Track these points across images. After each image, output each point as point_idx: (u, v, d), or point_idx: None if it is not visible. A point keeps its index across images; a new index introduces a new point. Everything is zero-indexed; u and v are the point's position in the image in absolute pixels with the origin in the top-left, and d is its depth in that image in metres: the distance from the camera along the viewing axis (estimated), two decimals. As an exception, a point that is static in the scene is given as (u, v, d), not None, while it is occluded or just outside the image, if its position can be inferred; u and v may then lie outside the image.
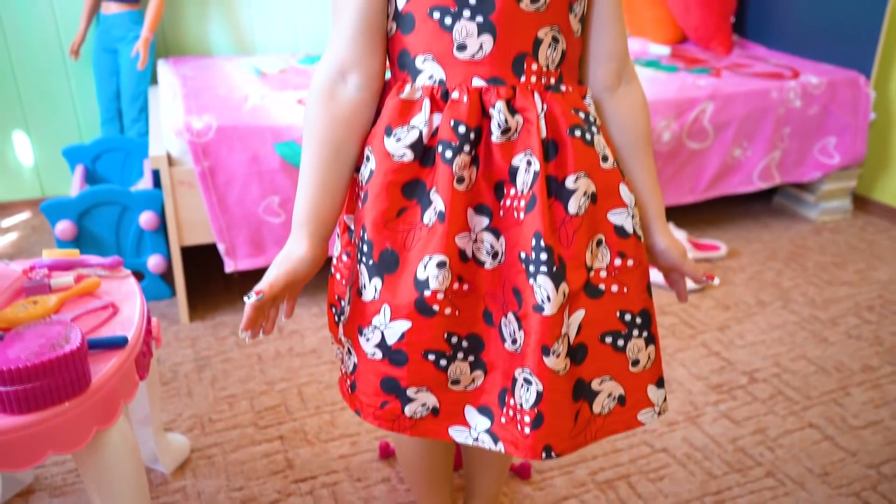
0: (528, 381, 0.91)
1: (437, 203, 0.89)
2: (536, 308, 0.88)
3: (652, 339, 0.99)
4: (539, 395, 0.91)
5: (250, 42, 3.14)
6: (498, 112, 0.88)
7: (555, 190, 0.91)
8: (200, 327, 2.12)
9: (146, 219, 2.11)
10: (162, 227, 2.16)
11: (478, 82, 0.89)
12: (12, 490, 1.47)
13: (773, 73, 2.78)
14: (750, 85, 2.64)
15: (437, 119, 0.90)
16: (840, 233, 2.84)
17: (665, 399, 1.03)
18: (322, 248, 0.95)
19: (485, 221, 0.92)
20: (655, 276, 2.03)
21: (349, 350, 1.00)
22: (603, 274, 0.95)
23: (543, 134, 0.89)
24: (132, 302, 1.20)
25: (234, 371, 1.91)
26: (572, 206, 0.91)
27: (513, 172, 0.90)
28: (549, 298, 0.88)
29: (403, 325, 0.91)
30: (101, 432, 1.02)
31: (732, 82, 2.66)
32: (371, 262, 0.93)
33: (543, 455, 0.93)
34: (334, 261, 1.06)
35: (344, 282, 1.03)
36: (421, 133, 0.90)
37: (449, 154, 0.88)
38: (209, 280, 2.38)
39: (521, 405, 0.92)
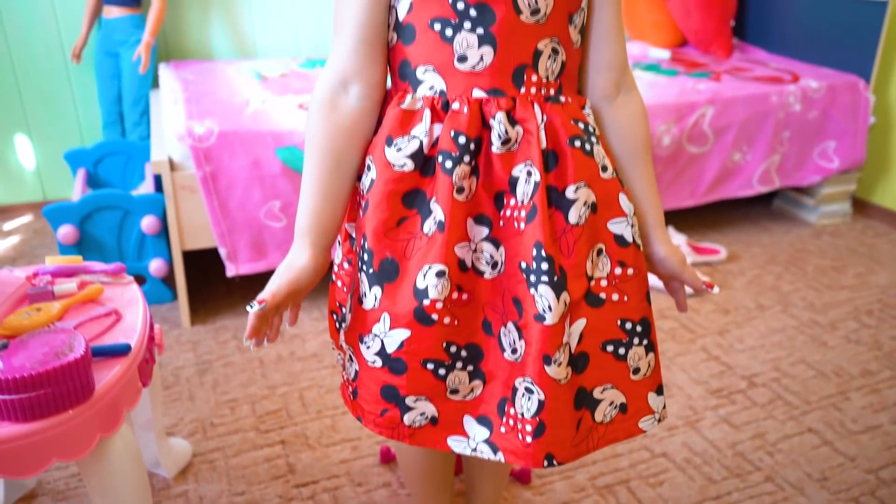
0: (529, 391, 0.92)
1: (437, 213, 0.90)
2: (538, 317, 0.89)
3: (652, 347, 1.00)
4: (541, 404, 0.91)
5: (251, 46, 3.15)
6: (498, 123, 0.89)
7: (555, 200, 0.92)
8: (202, 331, 2.13)
9: (148, 223, 2.12)
10: (164, 231, 2.17)
11: (478, 93, 0.90)
12: (15, 495, 1.48)
13: (772, 77, 2.79)
14: (750, 89, 2.65)
15: (438, 129, 0.91)
16: (840, 236, 2.84)
17: (664, 406, 1.04)
18: (324, 257, 0.96)
19: (484, 231, 0.92)
20: (655, 280, 2.03)
21: (351, 357, 1.01)
22: (603, 283, 0.96)
23: (543, 145, 0.90)
24: (135, 309, 1.21)
25: (235, 375, 1.92)
26: (573, 216, 0.92)
27: (513, 183, 0.91)
28: (550, 308, 0.89)
29: (403, 333, 0.92)
30: (105, 439, 1.03)
31: (732, 86, 2.66)
32: (371, 270, 0.93)
33: (545, 463, 0.94)
34: (335, 268, 1.06)
35: (345, 289, 1.04)
36: (421, 143, 0.91)
37: (449, 164, 0.89)
38: (210, 284, 2.39)
39: (523, 414, 0.93)
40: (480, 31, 0.87)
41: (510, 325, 0.93)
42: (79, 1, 2.81)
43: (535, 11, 0.87)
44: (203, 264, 2.47)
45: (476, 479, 1.33)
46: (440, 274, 0.89)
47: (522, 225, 0.90)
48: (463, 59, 0.89)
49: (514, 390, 0.94)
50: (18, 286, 1.21)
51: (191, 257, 2.44)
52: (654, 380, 1.01)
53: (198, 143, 1.99)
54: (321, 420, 1.74)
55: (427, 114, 0.91)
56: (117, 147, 2.57)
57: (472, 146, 0.90)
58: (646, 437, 1.70)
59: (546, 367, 0.90)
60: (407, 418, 0.96)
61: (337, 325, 1.07)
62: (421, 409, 0.96)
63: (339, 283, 1.05)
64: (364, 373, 0.98)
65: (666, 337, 2.11)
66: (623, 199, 0.96)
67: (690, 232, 2.81)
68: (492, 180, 0.91)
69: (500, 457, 0.96)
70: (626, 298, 0.97)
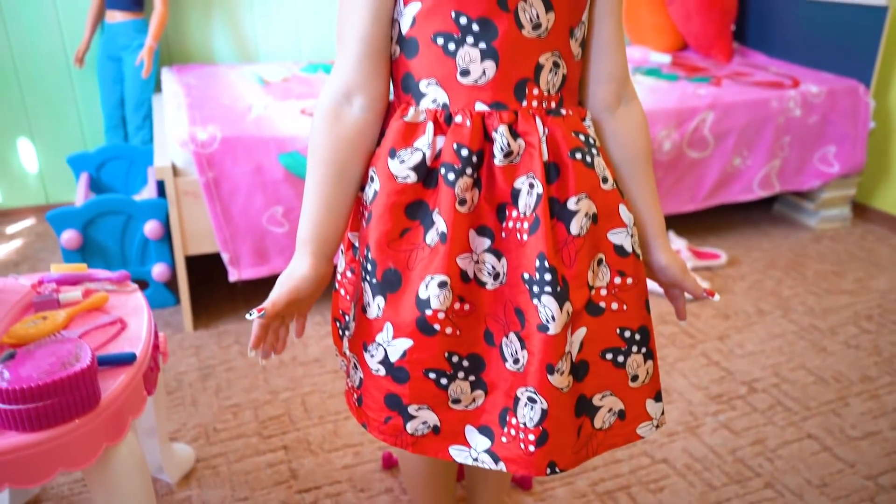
0: (532, 400, 0.93)
1: (440, 224, 0.91)
2: (541, 328, 0.90)
3: (650, 355, 1.01)
4: (544, 413, 0.92)
5: (253, 50, 3.16)
6: (500, 136, 0.90)
7: (557, 211, 0.93)
8: (204, 335, 2.14)
9: (151, 228, 2.13)
10: (166, 236, 2.18)
11: (480, 107, 0.91)
12: (19, 501, 1.49)
13: (773, 82, 2.80)
14: (750, 94, 2.66)
15: (441, 142, 0.92)
16: (839, 241, 2.85)
17: (663, 412, 1.05)
18: (326, 267, 0.96)
19: (486, 243, 0.93)
20: (654, 285, 2.04)
21: (355, 365, 1.02)
22: (603, 292, 0.97)
23: (545, 157, 0.91)
24: (140, 317, 1.22)
25: (238, 380, 1.93)
26: (574, 227, 0.93)
27: (515, 195, 0.92)
28: (553, 318, 0.89)
29: (405, 342, 0.93)
30: (110, 448, 1.04)
31: (733, 91, 2.67)
32: (375, 280, 0.94)
33: (548, 471, 0.95)
34: (339, 276, 1.07)
35: (348, 297, 1.05)
36: (424, 155, 0.92)
37: (451, 176, 0.90)
38: (213, 289, 2.40)
39: (525, 424, 0.94)
40: (483, 45, 0.88)
41: (512, 335, 0.94)
42: (82, 5, 2.82)
43: (536, 26, 0.88)
44: (206, 269, 2.48)
45: (477, 486, 1.34)
46: (442, 284, 0.90)
47: (525, 236, 0.91)
48: (465, 73, 0.90)
49: (516, 400, 0.95)
50: (24, 294, 1.22)
51: (193, 262, 2.45)
52: (652, 387, 1.02)
53: (201, 149, 2.00)
54: (323, 425, 1.75)
55: (430, 126, 0.92)
56: (120, 151, 2.58)
57: (474, 159, 0.90)
58: (646, 442, 1.71)
59: (549, 377, 0.91)
60: (409, 426, 0.97)
61: (340, 332, 1.08)
62: (423, 418, 0.97)
63: (343, 292, 1.06)
64: (368, 381, 0.99)
65: (666, 342, 2.12)
66: (623, 210, 0.97)
67: (691, 236, 2.82)
68: (494, 192, 0.92)
69: (502, 466, 0.97)
70: (625, 307, 0.98)
